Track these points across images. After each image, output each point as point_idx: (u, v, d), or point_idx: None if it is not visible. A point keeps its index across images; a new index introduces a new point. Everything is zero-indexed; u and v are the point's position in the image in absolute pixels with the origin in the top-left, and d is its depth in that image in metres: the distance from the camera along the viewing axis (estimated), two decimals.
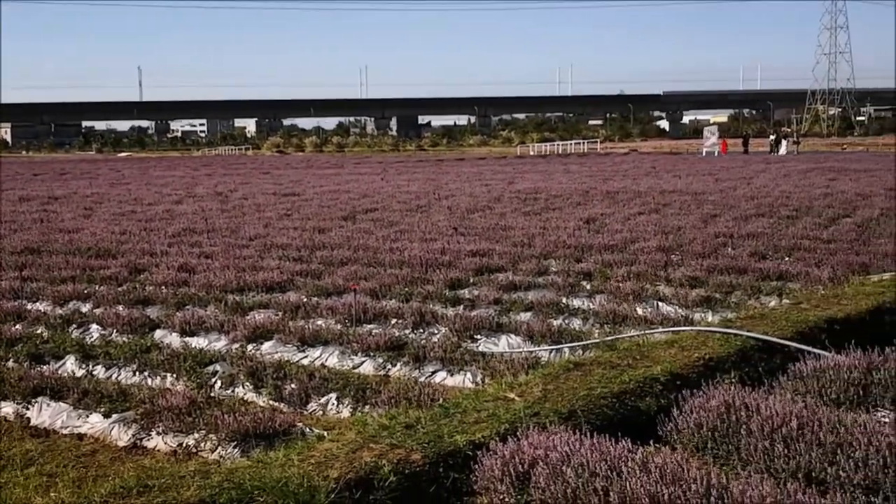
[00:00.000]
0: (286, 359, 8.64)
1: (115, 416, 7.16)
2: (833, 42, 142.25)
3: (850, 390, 6.26)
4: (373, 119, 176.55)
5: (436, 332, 9.35)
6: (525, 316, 9.87)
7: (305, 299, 10.91)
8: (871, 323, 8.47)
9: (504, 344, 8.90)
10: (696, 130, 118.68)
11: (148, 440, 6.80)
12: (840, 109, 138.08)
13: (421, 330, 9.44)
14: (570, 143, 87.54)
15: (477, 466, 5.12)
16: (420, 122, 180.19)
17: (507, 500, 4.90)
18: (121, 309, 10.67)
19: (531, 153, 79.66)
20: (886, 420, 5.64)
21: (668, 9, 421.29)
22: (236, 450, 6.36)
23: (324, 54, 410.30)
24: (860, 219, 17.53)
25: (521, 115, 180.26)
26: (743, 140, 69.10)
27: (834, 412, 5.53)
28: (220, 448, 6.45)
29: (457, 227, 17.59)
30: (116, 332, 9.84)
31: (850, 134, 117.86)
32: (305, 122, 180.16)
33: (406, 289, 11.27)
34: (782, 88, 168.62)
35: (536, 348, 8.55)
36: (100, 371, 8.61)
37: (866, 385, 6.31)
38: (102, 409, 7.33)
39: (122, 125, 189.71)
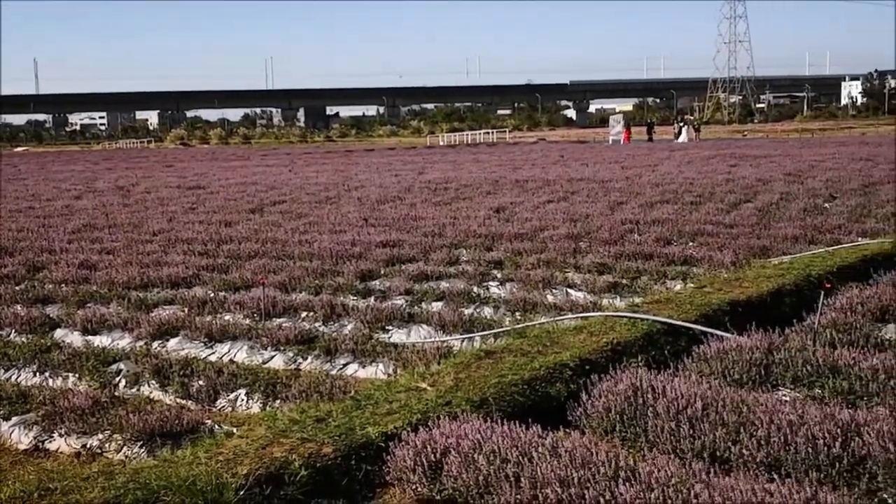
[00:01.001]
0: (193, 355, 8.48)
1: (15, 419, 6.93)
2: (732, 31, 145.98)
3: (752, 370, 6.42)
4: (279, 110, 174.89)
5: (347, 324, 9.28)
6: (437, 306, 9.88)
7: (212, 294, 10.72)
8: (772, 305, 8.72)
9: (416, 334, 8.89)
10: (603, 119, 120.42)
11: (50, 442, 6.60)
12: (741, 97, 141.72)
13: (332, 322, 9.36)
14: (480, 133, 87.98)
15: (389, 458, 5.11)
16: (328, 112, 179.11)
17: (419, 489, 4.90)
18: (19, 308, 10.33)
19: (441, 143, 79.76)
20: (787, 399, 5.81)
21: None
22: (142, 450, 6.22)
23: (228, 45, 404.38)
24: (761, 203, 17.98)
25: (431, 106, 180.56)
26: (647, 128, 70.43)
27: (737, 392, 5.67)
28: (125, 448, 6.29)
29: (367, 218, 17.51)
30: (15, 332, 9.52)
31: (750, 121, 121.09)
32: (210, 114, 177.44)
33: (316, 281, 11.17)
34: (685, 77, 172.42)
35: (448, 338, 8.56)
36: None
37: (768, 365, 6.48)
38: (1, 412, 7.09)
39: (18, 119, 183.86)
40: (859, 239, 12.79)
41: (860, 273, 10.10)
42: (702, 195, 20.05)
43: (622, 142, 62.83)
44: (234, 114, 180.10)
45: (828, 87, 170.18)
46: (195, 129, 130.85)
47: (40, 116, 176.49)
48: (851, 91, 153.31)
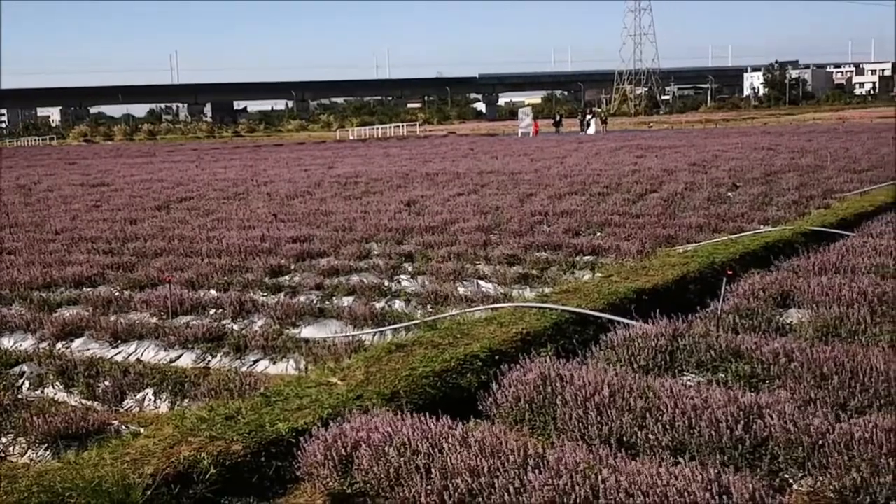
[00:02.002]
0: (98, 356, 8.29)
1: None
2: (638, 24, 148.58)
3: (657, 357, 6.56)
4: (186, 105, 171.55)
5: (257, 320, 9.18)
6: (348, 300, 9.84)
7: (118, 293, 10.50)
8: (677, 292, 8.91)
9: (327, 329, 8.85)
10: (512, 112, 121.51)
11: None
12: (646, 89, 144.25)
13: (241, 319, 9.25)
14: (390, 127, 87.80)
15: (300, 453, 5.08)
16: (236, 107, 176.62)
17: (330, 483, 4.89)
18: None
19: (351, 137, 79.45)
20: (692, 384, 5.95)
21: None
22: (47, 452, 6.06)
23: (131, 39, 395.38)
24: (666, 193, 18.35)
25: (340, 100, 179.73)
26: (555, 122, 71.37)
27: (643, 378, 5.79)
28: (29, 451, 6.13)
29: (276, 213, 17.34)
30: None
31: (656, 112, 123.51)
32: (114, 110, 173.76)
33: (225, 278, 11.02)
34: (592, 70, 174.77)
35: (359, 332, 8.54)
36: None
37: (673, 351, 6.63)
38: None
39: None
40: (761, 227, 13.15)
41: (762, 260, 10.40)
42: (609, 186, 20.36)
43: (531, 134, 63.44)
44: (139, 109, 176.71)
45: (730, 78, 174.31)
46: (99, 125, 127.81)
47: None
48: (753, 82, 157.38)
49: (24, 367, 7.98)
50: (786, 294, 8.44)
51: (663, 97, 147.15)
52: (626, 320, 7.53)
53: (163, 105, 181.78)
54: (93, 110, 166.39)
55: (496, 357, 6.68)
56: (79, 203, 21.51)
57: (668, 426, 5.07)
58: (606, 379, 5.66)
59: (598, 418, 5.27)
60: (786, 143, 34.52)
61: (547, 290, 9.52)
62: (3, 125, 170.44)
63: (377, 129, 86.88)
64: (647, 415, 5.20)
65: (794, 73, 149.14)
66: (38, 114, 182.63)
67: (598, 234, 13.50)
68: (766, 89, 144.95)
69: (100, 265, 12.06)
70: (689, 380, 6.24)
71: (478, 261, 11.61)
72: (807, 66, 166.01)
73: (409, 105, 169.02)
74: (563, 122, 72.17)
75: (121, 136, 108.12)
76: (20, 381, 7.74)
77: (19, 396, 7.41)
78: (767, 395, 5.55)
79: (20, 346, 8.76)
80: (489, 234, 13.54)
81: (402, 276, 11.00)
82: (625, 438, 5.12)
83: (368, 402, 5.75)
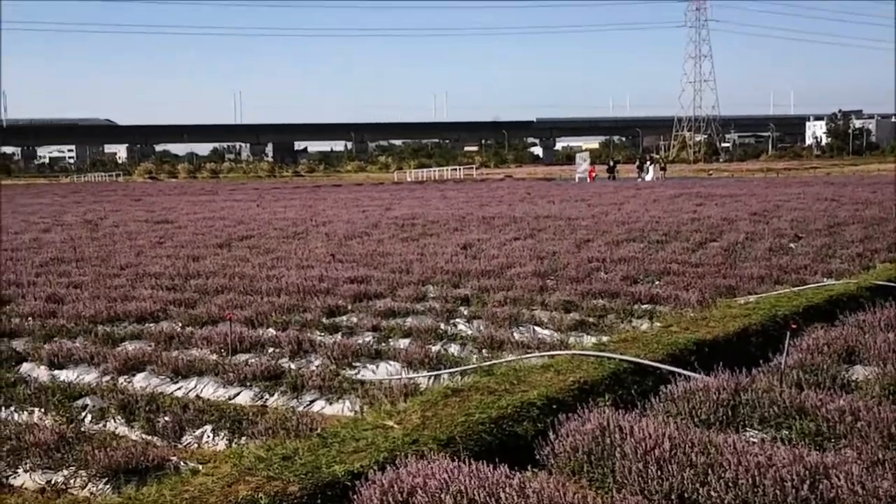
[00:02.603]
0: (159, 391, 8.40)
1: None
2: (698, 71, 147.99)
3: (719, 411, 6.45)
4: (248, 145, 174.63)
5: (314, 360, 9.24)
6: (404, 342, 9.86)
7: (179, 329, 10.64)
8: (739, 345, 8.77)
9: (383, 371, 8.87)
10: (569, 157, 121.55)
11: (14, 478, 6.49)
12: (706, 136, 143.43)
13: (299, 358, 9.31)
14: (447, 169, 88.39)
15: (356, 497, 5.07)
16: (296, 147, 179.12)
17: None
18: None
19: (408, 179, 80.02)
20: (755, 440, 5.84)
21: (541, 37, 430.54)
22: (107, 486, 6.14)
23: (197, 79, 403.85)
24: (726, 243, 18.15)
25: (398, 142, 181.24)
26: (609, 167, 70.53)
27: (705, 433, 5.69)
28: (90, 485, 6.21)
29: (335, 253, 17.48)
30: None
31: (715, 160, 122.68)
32: (178, 148, 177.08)
33: (283, 317, 11.12)
34: (651, 116, 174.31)
35: (415, 375, 8.55)
36: None
37: (735, 406, 6.52)
38: None
39: None
40: (825, 279, 12.92)
41: (826, 314, 10.20)
42: (668, 234, 20.21)
43: (588, 180, 63.33)
44: (203, 148, 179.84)
45: (792, 126, 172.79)
46: (163, 163, 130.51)
47: (8, 149, 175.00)
48: (816, 131, 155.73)
49: (88, 400, 8.11)
50: (851, 350, 8.27)
51: (723, 145, 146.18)
52: (686, 372, 7.43)
53: (226, 144, 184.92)
54: (158, 148, 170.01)
55: (553, 405, 6.62)
56: (143, 239, 21.91)
57: (730, 484, 4.97)
58: (667, 432, 5.58)
59: (659, 473, 5.18)
60: (849, 195, 34.00)
61: (604, 339, 9.45)
62: (72, 161, 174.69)
63: (434, 171, 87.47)
64: (709, 471, 5.11)
65: (857, 123, 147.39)
66: (106, 150, 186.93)
67: (657, 282, 13.38)
68: (829, 139, 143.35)
69: (163, 301, 12.25)
70: (752, 436, 6.12)
71: (534, 306, 11.57)
72: (871, 116, 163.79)
73: (466, 148, 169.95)
74: (617, 168, 71.64)
75: (184, 174, 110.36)
76: (83, 414, 7.86)
77: (82, 429, 7.52)
78: (833, 454, 5.42)
79: (84, 378, 8.91)
80: (546, 280, 13.50)
81: (458, 320, 11.00)
82: (686, 494, 5.03)
83: (424, 446, 5.73)
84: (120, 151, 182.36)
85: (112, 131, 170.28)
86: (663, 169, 68.00)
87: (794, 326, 8.20)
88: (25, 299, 12.66)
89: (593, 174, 65.89)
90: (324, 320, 10.97)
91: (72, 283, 14.24)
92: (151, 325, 11.02)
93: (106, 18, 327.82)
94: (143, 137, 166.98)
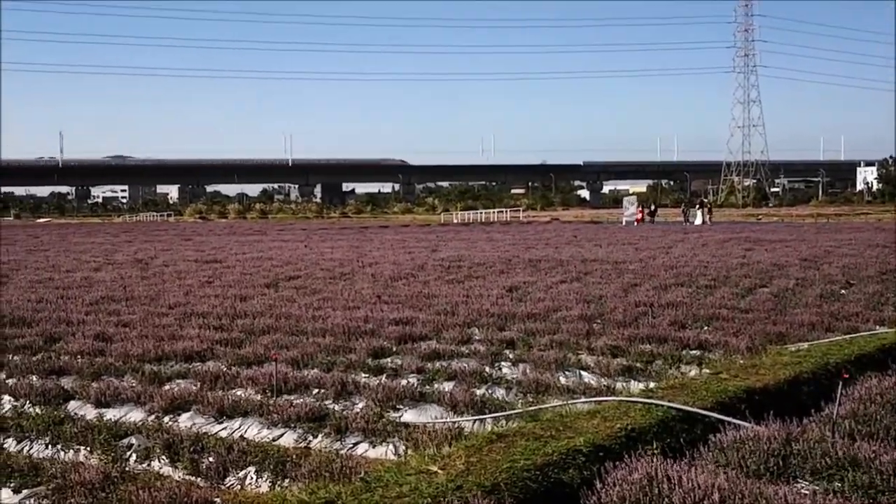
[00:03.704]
0: (204, 431, 8.42)
1: (25, 492, 6.87)
2: (746, 115, 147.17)
3: (770, 461, 6.31)
4: (297, 186, 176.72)
5: (358, 402, 9.22)
6: (448, 385, 9.81)
7: (225, 369, 10.69)
8: (790, 393, 8.60)
9: (427, 414, 8.82)
10: (616, 200, 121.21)
11: None
12: (755, 181, 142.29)
13: (343, 400, 9.30)
14: (494, 212, 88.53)
15: None
16: (344, 189, 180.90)
17: None
18: (34, 379, 10.35)
19: (455, 221, 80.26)
20: (806, 492, 5.70)
21: (588, 81, 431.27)
22: None
23: (248, 121, 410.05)
24: (776, 289, 17.91)
25: (445, 183, 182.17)
26: (650, 211, 70.03)
27: (755, 484, 5.57)
28: None
29: (380, 294, 17.51)
30: (29, 403, 9.52)
31: (764, 205, 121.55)
32: (229, 189, 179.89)
33: (328, 358, 11.13)
34: (699, 160, 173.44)
35: (459, 418, 8.48)
36: (11, 444, 8.30)
37: (786, 456, 6.37)
38: (13, 485, 7.04)
39: (42, 191, 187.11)
40: (877, 327, 12.68)
41: (879, 363, 9.98)
42: (716, 279, 19.99)
43: (635, 223, 63.04)
44: (253, 189, 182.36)
45: (843, 172, 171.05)
46: (214, 203, 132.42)
47: (63, 188, 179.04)
48: (867, 177, 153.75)
49: (133, 440, 8.15)
50: None
51: (772, 189, 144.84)
52: (736, 421, 7.29)
53: (275, 185, 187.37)
54: (209, 188, 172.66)
55: (600, 453, 6.52)
56: (192, 279, 22.13)
57: None
58: (717, 483, 5.46)
59: None
60: None
61: (652, 385, 9.32)
62: (125, 200, 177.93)
63: (481, 213, 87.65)
64: None
65: None
66: (158, 190, 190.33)
67: (706, 328, 13.21)
68: (880, 184, 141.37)
69: (210, 340, 12.33)
70: (804, 487, 5.97)
71: (580, 350, 11.47)
72: None
73: (513, 190, 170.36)
74: (657, 213, 71.09)
75: (234, 214, 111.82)
76: (128, 454, 7.89)
77: (126, 468, 7.55)
78: None
79: (130, 417, 8.96)
80: (592, 324, 13.39)
81: (504, 363, 10.93)
82: None
83: (468, 493, 5.66)
84: (172, 191, 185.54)
85: (164, 171, 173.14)
86: (710, 213, 67.43)
87: (846, 375, 8.02)
88: (75, 337, 12.81)
89: (641, 217, 65.56)
90: (368, 362, 10.96)
91: (121, 322, 14.40)
92: (198, 364, 11.08)
93: (168, 63, 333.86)
94: (194, 178, 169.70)
